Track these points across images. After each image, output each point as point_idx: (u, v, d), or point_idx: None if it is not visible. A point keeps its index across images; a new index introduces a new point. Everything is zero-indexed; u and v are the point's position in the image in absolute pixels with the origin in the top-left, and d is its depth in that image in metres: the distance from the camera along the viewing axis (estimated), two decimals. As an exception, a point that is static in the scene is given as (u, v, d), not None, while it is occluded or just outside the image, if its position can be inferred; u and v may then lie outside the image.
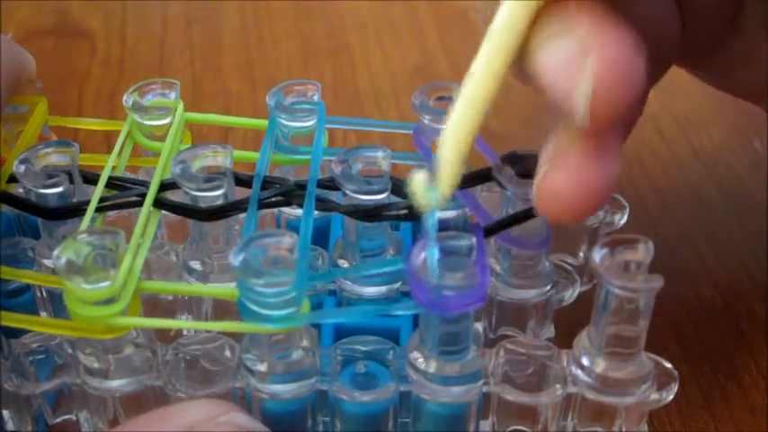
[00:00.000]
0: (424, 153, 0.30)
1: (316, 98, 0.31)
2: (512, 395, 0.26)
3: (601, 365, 0.25)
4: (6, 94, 0.30)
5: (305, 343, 0.26)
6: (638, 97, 0.21)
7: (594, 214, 0.30)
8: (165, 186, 0.28)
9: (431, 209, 0.23)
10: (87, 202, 0.28)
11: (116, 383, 0.26)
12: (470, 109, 0.22)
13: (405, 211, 0.27)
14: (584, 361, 0.25)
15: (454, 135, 0.22)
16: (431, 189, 0.23)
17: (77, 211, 0.28)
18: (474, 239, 0.24)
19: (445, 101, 0.29)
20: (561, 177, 0.23)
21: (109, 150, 0.30)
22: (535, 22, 0.21)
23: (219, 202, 0.28)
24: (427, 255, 0.23)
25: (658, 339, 0.32)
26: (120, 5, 0.52)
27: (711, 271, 0.35)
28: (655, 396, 0.26)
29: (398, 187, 0.27)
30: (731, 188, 0.39)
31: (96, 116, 0.35)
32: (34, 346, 0.28)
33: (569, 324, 0.32)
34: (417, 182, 0.23)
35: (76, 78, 0.46)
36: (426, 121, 0.29)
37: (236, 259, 0.24)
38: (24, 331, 0.27)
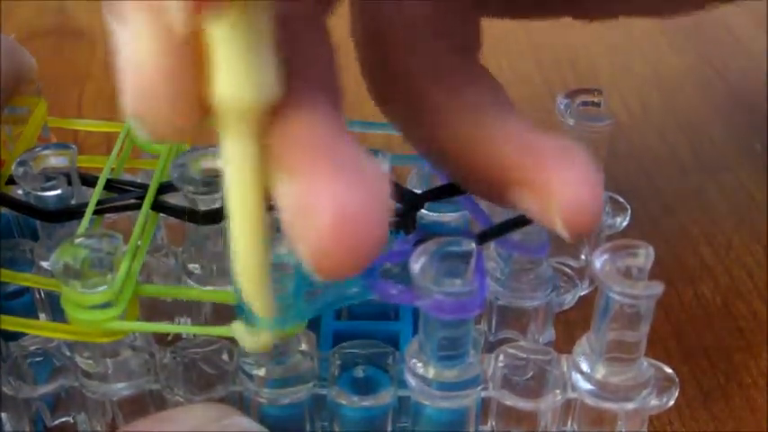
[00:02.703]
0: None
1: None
2: (511, 400, 0.26)
3: (601, 371, 0.25)
4: (6, 94, 0.30)
5: (303, 347, 0.26)
6: (377, 239, 0.19)
7: None
8: (164, 189, 0.28)
9: (267, 342, 0.23)
10: (85, 205, 0.28)
11: (114, 387, 0.26)
12: (249, 243, 0.21)
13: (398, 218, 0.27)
14: (584, 366, 0.25)
15: (245, 270, 0.21)
16: (254, 328, 0.22)
17: (75, 213, 0.28)
18: (473, 245, 0.23)
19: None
20: None
21: (108, 151, 0.30)
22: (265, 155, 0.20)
23: (218, 204, 0.28)
24: None
25: (658, 339, 0.32)
26: (120, 5, 0.51)
27: (711, 271, 0.35)
28: (655, 402, 0.26)
29: (398, 191, 0.27)
30: (731, 188, 0.39)
31: (96, 117, 0.34)
32: (32, 348, 0.28)
33: (570, 327, 0.32)
34: (238, 331, 0.23)
35: (76, 79, 0.46)
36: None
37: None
38: (23, 333, 0.27)
